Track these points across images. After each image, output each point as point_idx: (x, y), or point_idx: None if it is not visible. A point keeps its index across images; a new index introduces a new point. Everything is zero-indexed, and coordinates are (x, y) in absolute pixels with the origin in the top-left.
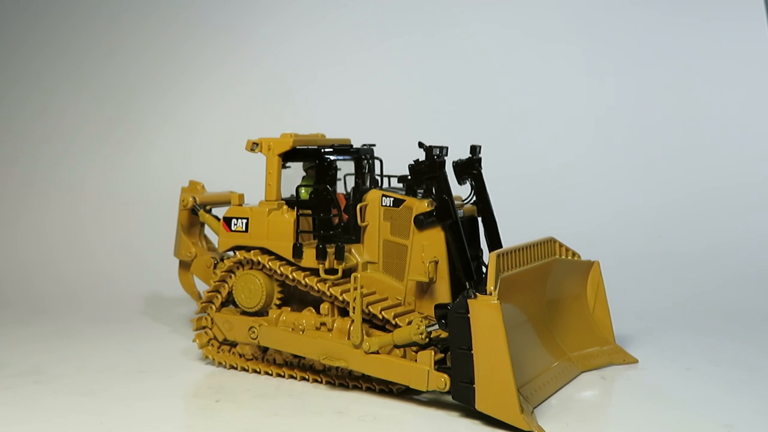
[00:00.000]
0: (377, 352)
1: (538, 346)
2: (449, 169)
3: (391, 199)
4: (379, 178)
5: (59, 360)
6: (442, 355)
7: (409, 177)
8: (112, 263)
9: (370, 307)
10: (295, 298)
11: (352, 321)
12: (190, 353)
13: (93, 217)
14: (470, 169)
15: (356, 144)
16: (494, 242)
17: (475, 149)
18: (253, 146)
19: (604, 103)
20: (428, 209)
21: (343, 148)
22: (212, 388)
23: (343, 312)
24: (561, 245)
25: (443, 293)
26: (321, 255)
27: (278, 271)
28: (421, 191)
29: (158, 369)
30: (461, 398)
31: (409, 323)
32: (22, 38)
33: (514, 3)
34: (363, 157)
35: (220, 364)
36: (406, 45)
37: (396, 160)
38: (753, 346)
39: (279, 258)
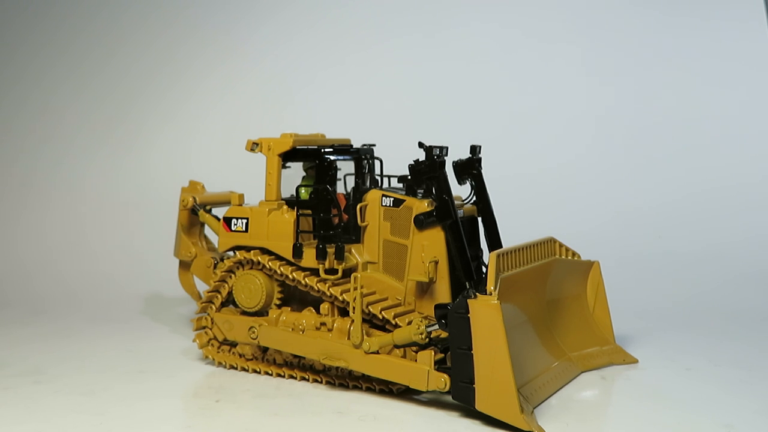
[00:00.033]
0: (377, 352)
1: (538, 346)
2: (449, 169)
3: (391, 199)
4: (379, 178)
5: (59, 360)
6: (442, 355)
7: (409, 177)
8: (112, 263)
9: (370, 307)
10: (295, 298)
11: (352, 321)
12: (190, 353)
13: (93, 217)
14: (470, 169)
15: (356, 144)
16: (494, 242)
17: (475, 149)
18: (253, 146)
19: (604, 103)
20: (428, 209)
21: (343, 148)
22: (212, 388)
23: (343, 312)
24: (561, 245)
25: (443, 293)
26: (321, 255)
27: (278, 271)
28: (421, 191)
29: (158, 369)
30: (461, 398)
31: (409, 323)
32: (22, 38)
33: (514, 3)
34: (363, 157)
35: (220, 364)
36: (406, 45)
37: (396, 160)
38: (753, 346)
39: (279, 258)
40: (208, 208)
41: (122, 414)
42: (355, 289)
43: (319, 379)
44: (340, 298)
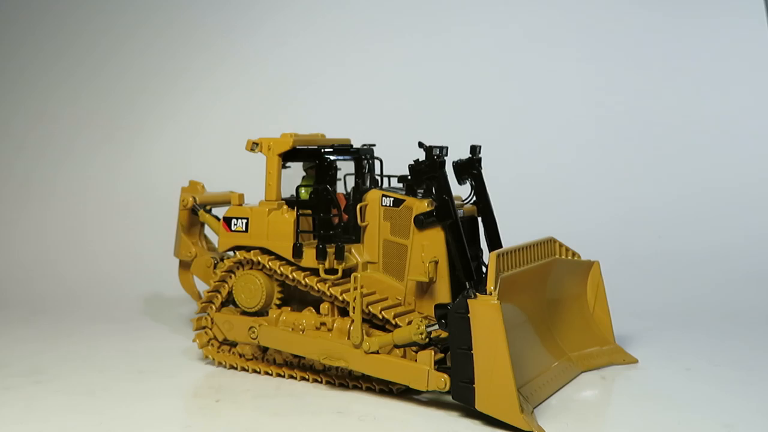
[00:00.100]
0: (377, 352)
1: (538, 346)
2: (449, 169)
3: (391, 199)
4: (379, 178)
5: (59, 360)
6: (442, 355)
7: (409, 177)
8: (112, 263)
9: (370, 307)
10: (295, 298)
11: (352, 321)
12: (190, 353)
13: (93, 217)
14: (470, 169)
15: (356, 144)
16: (494, 242)
17: (475, 149)
18: (253, 146)
19: (604, 103)
20: (428, 209)
21: (343, 148)
22: (212, 388)
23: (343, 312)
24: (561, 245)
25: (443, 293)
26: (321, 255)
27: (278, 271)
28: (421, 191)
29: (158, 369)
30: (461, 398)
31: (409, 323)
32: (22, 38)
33: (514, 3)
34: (363, 157)
35: (220, 364)
36: (406, 45)
37: (396, 160)
38: (753, 346)
39: (279, 258)
40: (208, 208)
41: (122, 414)
42: (355, 289)
43: (319, 379)
44: (340, 298)
